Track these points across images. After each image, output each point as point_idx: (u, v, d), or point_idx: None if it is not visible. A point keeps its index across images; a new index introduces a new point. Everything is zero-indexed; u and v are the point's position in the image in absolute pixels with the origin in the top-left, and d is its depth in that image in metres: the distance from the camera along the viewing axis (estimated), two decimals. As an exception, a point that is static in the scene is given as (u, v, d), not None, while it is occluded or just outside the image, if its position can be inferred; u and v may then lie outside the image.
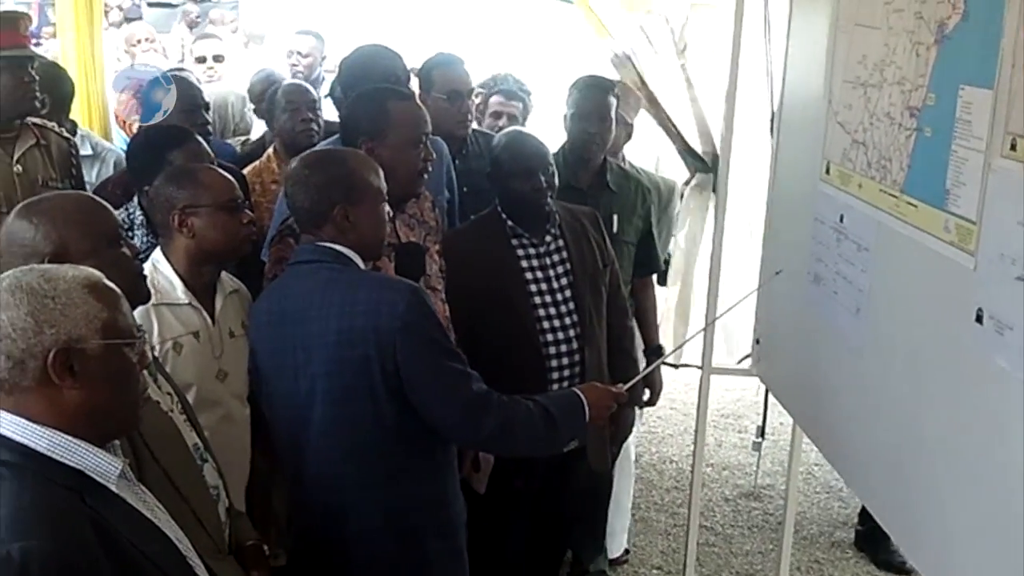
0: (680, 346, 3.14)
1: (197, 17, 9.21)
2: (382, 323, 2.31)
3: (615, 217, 3.69)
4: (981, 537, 1.89)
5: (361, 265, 2.45)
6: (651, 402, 3.85)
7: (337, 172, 2.46)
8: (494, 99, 4.52)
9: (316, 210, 2.43)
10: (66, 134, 3.66)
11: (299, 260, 2.49)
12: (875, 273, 2.37)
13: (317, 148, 2.82)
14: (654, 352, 3.80)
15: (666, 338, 4.33)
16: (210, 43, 5.71)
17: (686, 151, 4.64)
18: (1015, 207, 1.79)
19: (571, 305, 3.21)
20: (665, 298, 4.79)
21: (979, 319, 1.90)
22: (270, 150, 3.97)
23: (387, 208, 2.53)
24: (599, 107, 3.69)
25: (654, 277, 4.04)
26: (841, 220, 2.55)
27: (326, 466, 2.42)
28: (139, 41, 6.21)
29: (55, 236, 1.99)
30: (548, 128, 4.04)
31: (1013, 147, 1.81)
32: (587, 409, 2.52)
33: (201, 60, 5.55)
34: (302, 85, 4.10)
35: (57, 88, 3.99)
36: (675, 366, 4.41)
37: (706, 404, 3.42)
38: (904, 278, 2.23)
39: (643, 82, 4.49)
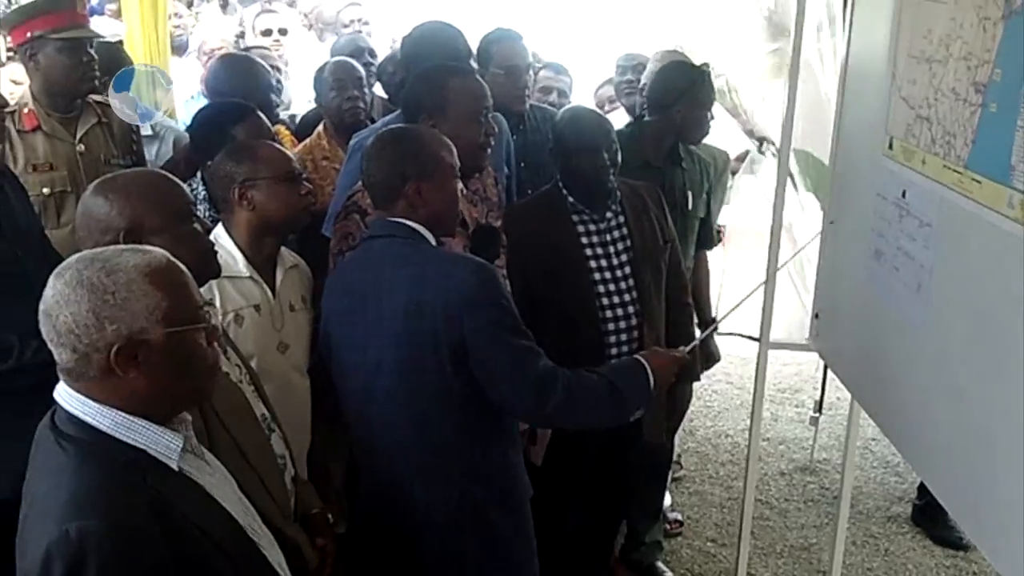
0: (732, 310, 3.09)
1: None
2: (450, 298, 2.34)
3: (689, 194, 3.69)
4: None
5: (432, 241, 2.48)
6: (706, 367, 3.85)
7: (409, 148, 2.49)
8: (543, 73, 4.52)
9: (389, 184, 2.46)
10: None
11: (373, 234, 2.53)
12: (937, 249, 2.35)
13: (393, 125, 2.85)
14: (709, 326, 3.80)
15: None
16: (273, 17, 5.70)
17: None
18: (1082, 184, 1.77)
19: (631, 282, 3.23)
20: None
21: (1043, 297, 1.88)
22: (320, 127, 3.96)
23: (460, 185, 2.55)
24: (710, 95, 3.69)
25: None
26: (903, 196, 2.52)
27: (392, 435, 2.46)
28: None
29: (129, 212, 2.04)
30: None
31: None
32: (651, 375, 2.53)
33: (267, 33, 5.52)
34: (348, 62, 4.07)
35: (118, 68, 4.04)
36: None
37: (763, 378, 3.40)
38: (967, 255, 2.21)
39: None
